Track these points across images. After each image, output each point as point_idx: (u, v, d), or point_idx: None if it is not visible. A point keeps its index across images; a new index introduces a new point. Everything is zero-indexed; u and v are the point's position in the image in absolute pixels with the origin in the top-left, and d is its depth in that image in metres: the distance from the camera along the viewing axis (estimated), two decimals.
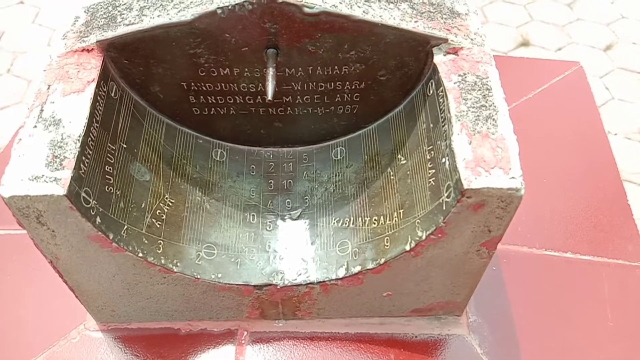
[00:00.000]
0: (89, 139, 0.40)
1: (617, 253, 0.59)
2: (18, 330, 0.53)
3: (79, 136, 0.39)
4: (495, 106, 0.41)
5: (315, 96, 0.49)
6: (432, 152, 0.44)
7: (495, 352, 0.52)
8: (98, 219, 0.40)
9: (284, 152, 0.55)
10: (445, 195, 0.40)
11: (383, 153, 0.50)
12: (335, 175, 0.53)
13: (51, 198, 0.37)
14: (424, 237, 0.43)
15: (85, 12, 0.47)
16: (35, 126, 0.40)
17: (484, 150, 0.39)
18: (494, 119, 0.41)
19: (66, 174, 0.38)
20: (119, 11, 0.45)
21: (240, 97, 0.49)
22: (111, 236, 0.42)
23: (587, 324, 0.54)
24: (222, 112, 0.50)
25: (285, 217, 0.52)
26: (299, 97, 0.49)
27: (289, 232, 0.51)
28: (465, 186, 0.37)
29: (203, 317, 0.53)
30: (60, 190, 0.37)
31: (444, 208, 0.40)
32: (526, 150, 0.68)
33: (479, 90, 0.42)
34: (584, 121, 0.71)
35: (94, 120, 0.41)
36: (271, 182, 0.54)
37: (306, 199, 0.53)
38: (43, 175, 0.38)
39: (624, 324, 0.54)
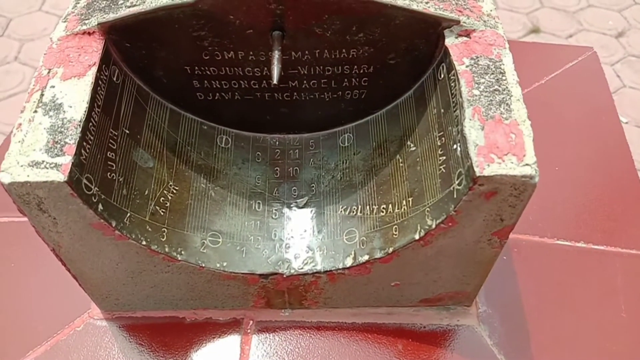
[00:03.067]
0: (90, 124, 0.39)
1: (631, 242, 0.58)
2: (22, 318, 0.53)
3: (80, 121, 0.38)
4: (509, 90, 0.40)
5: (322, 80, 0.48)
6: (443, 138, 0.42)
7: (506, 343, 0.51)
8: (100, 206, 0.40)
9: (290, 139, 0.54)
10: (457, 182, 0.39)
11: (392, 139, 0.49)
12: (343, 163, 0.51)
13: (52, 184, 0.36)
14: (433, 226, 0.41)
15: None
16: (36, 111, 0.39)
17: (497, 136, 0.38)
18: (507, 104, 0.39)
19: (67, 160, 0.37)
20: None
21: (245, 82, 0.48)
22: (114, 224, 0.41)
23: (600, 315, 0.53)
24: (226, 97, 0.49)
25: (292, 205, 0.51)
26: (305, 81, 0.48)
27: (295, 220, 0.50)
28: (478, 173, 0.36)
29: (208, 305, 0.52)
30: (61, 176, 0.36)
31: (455, 196, 0.39)
32: (538, 137, 0.66)
33: (492, 74, 0.41)
34: (598, 108, 0.70)
35: (95, 105, 0.40)
36: (277, 170, 0.52)
37: (313, 186, 0.51)
38: (43, 162, 0.37)
39: (638, 315, 0.53)
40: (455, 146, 0.40)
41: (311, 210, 0.50)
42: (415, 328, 0.52)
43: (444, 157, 0.42)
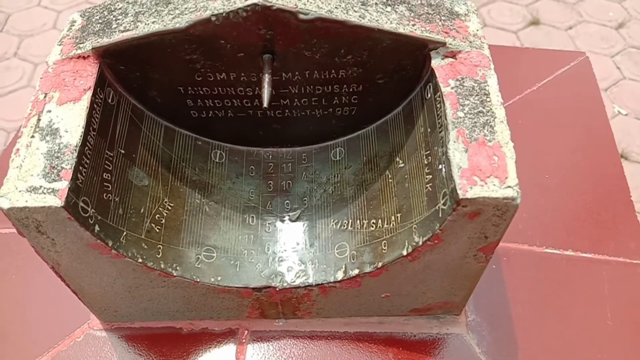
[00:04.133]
0: (86, 148, 0.41)
1: (619, 251, 0.59)
2: (23, 329, 0.54)
3: (76, 146, 0.40)
4: (493, 112, 0.41)
5: (313, 99, 0.49)
6: (430, 157, 0.44)
7: (494, 351, 0.53)
8: (97, 227, 0.41)
9: (283, 153, 0.55)
10: (442, 202, 0.40)
11: (382, 155, 0.50)
12: (334, 177, 0.53)
13: (49, 209, 0.38)
14: (420, 243, 0.43)
15: (81, 16, 0.46)
16: (33, 136, 0.40)
17: (480, 159, 0.39)
18: (491, 126, 0.40)
19: (63, 185, 0.38)
20: (114, 16, 0.45)
21: (238, 101, 0.49)
22: (110, 243, 0.42)
23: (586, 323, 0.54)
24: (220, 115, 0.50)
25: (285, 219, 0.52)
26: (296, 99, 0.49)
27: (288, 233, 0.51)
28: (461, 196, 0.37)
29: (204, 316, 0.53)
30: (58, 201, 0.37)
31: (440, 215, 0.40)
32: (529, 145, 0.67)
33: (477, 95, 0.42)
34: (589, 114, 0.70)
35: (91, 128, 0.42)
36: (270, 183, 0.54)
37: (305, 200, 0.53)
38: (41, 187, 0.38)
39: (623, 323, 0.54)
40: (440, 166, 0.41)
41: (303, 224, 0.52)
42: (406, 337, 0.53)
43: (430, 176, 0.43)
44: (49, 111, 0.41)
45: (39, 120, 0.41)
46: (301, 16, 0.40)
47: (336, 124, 0.52)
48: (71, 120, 0.41)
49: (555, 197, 0.63)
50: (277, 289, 0.49)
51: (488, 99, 0.42)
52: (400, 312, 0.53)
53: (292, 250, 0.51)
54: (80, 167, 0.40)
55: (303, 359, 0.52)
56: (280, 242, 0.51)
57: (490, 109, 0.41)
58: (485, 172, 0.38)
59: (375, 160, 0.51)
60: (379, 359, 0.52)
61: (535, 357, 0.52)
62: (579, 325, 0.54)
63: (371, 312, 0.53)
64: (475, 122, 0.40)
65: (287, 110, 0.50)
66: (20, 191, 0.38)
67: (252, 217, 0.52)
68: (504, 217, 0.40)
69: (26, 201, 0.38)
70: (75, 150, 0.40)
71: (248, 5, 0.40)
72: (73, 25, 0.46)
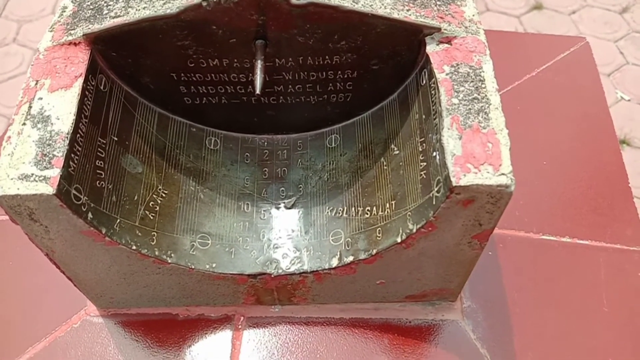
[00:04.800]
0: (78, 135, 0.40)
1: (616, 237, 0.59)
2: (21, 316, 0.55)
3: (67, 133, 0.39)
4: (487, 99, 0.41)
5: (307, 85, 0.49)
6: (424, 144, 0.43)
7: (489, 337, 0.53)
8: (90, 215, 0.41)
9: (278, 139, 0.55)
10: (435, 190, 0.40)
11: (377, 142, 0.50)
12: (330, 164, 0.52)
13: (41, 197, 0.38)
14: (414, 230, 0.43)
15: (72, 2, 0.46)
16: (24, 123, 0.40)
17: (474, 146, 0.38)
18: (485, 112, 0.40)
19: (55, 173, 0.38)
20: (105, 2, 0.44)
21: (231, 87, 0.48)
22: (104, 230, 0.42)
23: (582, 309, 0.54)
24: (213, 102, 0.50)
25: (280, 206, 0.52)
26: (290, 86, 0.49)
27: (283, 221, 0.51)
28: (454, 183, 0.37)
29: (200, 303, 0.54)
30: (50, 189, 0.37)
31: (434, 203, 0.40)
32: (527, 131, 0.67)
33: (472, 81, 0.41)
34: (588, 101, 0.70)
35: (83, 115, 0.41)
36: (265, 170, 0.53)
37: (300, 187, 0.52)
38: (32, 175, 0.38)
39: (619, 310, 0.54)
40: (434, 154, 0.41)
41: (299, 211, 0.52)
42: (401, 323, 0.53)
43: (425, 164, 0.43)
44: (40, 98, 0.41)
45: (30, 107, 0.41)
46: (293, 1, 0.40)
47: (331, 111, 0.52)
48: (63, 107, 0.41)
49: (553, 183, 0.63)
50: (272, 276, 0.49)
51: (483, 86, 0.41)
52: (396, 298, 0.53)
53: (287, 237, 0.50)
54: (72, 155, 0.40)
55: (299, 344, 0.53)
56: (275, 229, 0.51)
57: (485, 95, 0.41)
58: (479, 159, 0.38)
59: (370, 147, 0.50)
60: (375, 344, 0.52)
61: (531, 343, 0.53)
62: (575, 312, 0.54)
63: (366, 298, 0.53)
64: (470, 109, 0.40)
65: (281, 97, 0.50)
66: (12, 179, 0.38)
67: (247, 204, 0.52)
68: (497, 205, 0.39)
69: (18, 189, 0.38)
70: (67, 137, 0.39)
71: None
72: (64, 12, 0.45)
